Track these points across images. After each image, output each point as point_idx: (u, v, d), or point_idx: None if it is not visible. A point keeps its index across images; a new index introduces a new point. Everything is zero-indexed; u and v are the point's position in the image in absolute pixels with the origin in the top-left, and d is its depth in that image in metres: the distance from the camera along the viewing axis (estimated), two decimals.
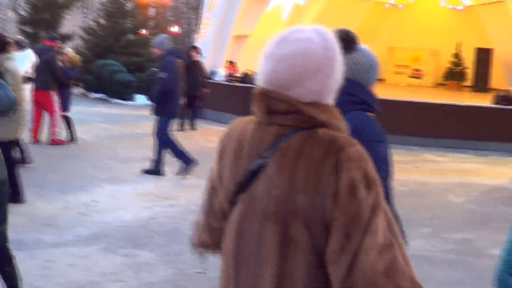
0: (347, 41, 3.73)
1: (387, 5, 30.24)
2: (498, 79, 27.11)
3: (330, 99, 2.33)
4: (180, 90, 11.88)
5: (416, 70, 30.32)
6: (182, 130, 17.96)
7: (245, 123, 2.44)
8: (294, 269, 2.22)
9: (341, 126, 2.31)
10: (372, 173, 2.22)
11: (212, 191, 2.57)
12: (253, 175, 2.30)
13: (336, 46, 2.32)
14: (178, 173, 11.37)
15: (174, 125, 11.54)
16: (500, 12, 25.70)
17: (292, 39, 2.27)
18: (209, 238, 2.63)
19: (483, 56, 28.55)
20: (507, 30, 25.76)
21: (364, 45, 3.92)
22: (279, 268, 2.23)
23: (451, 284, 6.73)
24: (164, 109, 11.29)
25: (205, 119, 20.11)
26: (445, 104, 19.00)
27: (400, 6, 30.71)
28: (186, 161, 11.40)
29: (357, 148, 2.23)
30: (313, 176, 2.19)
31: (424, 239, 8.46)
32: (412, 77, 30.15)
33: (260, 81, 2.33)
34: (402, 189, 11.49)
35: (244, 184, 2.33)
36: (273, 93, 2.27)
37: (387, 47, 30.20)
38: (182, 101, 18.41)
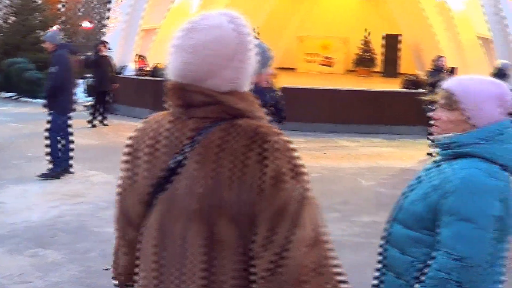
0: None
1: None
2: (406, 64, 27.65)
3: (247, 86, 2.23)
4: (73, 84, 11.54)
5: (327, 58, 30.58)
6: (92, 126, 17.74)
7: (158, 119, 2.30)
8: (223, 270, 2.11)
9: (260, 115, 2.22)
10: (299, 164, 2.13)
11: (124, 196, 2.40)
12: (172, 172, 2.16)
13: (248, 29, 2.22)
14: (41, 175, 10.86)
15: (70, 120, 11.21)
16: None
17: (201, 28, 2.15)
18: (127, 258, 2.45)
19: (392, 42, 29.05)
20: (414, 16, 26.31)
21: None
22: (207, 270, 2.11)
23: (358, 266, 6.79)
24: (57, 105, 10.97)
25: (116, 114, 19.86)
26: (355, 90, 19.29)
27: None
28: (56, 169, 11.01)
29: (283, 138, 2.14)
30: (238, 168, 2.08)
31: (333, 224, 8.54)
32: (323, 65, 30.39)
33: (172, 75, 2.20)
34: (313, 175, 11.54)
35: (162, 183, 2.18)
36: (188, 86, 2.16)
37: (297, 36, 30.43)
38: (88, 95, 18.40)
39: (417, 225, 2.94)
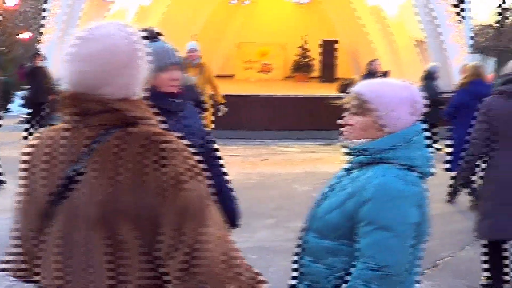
0: (146, 36, 3.77)
1: (233, 2, 30.46)
2: (344, 69, 27.90)
3: (139, 93, 2.30)
4: None
5: (265, 64, 30.60)
6: (29, 139, 17.51)
7: (54, 131, 2.33)
8: (129, 276, 2.14)
9: (154, 120, 2.29)
10: (195, 164, 2.20)
11: (21, 213, 2.40)
12: (70, 182, 2.19)
13: (138, 38, 2.29)
14: None
15: None
16: (342, 4, 26.49)
17: (94, 37, 2.21)
18: (28, 266, 2.43)
19: (329, 47, 29.23)
20: (350, 21, 26.62)
21: (163, 40, 3.94)
22: (112, 276, 2.14)
23: (290, 272, 6.86)
24: None
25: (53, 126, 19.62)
26: (292, 96, 19.39)
27: (246, 2, 31.00)
28: None
29: (177, 141, 2.20)
30: (137, 173, 2.12)
31: (267, 230, 8.61)
32: (262, 71, 30.43)
33: (66, 84, 2.24)
34: (249, 182, 11.66)
35: (61, 193, 2.20)
36: (83, 95, 2.20)
37: (235, 44, 30.42)
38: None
39: (334, 235, 2.90)
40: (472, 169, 6.70)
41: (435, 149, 14.37)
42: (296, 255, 3.15)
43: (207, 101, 11.82)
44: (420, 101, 2.97)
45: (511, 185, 6.42)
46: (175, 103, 3.97)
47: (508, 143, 6.46)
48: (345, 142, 3.06)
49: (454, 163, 9.80)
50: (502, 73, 6.80)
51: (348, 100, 3.01)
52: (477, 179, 6.92)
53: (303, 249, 3.08)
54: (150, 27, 4.09)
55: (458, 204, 10.38)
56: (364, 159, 2.95)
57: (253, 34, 30.29)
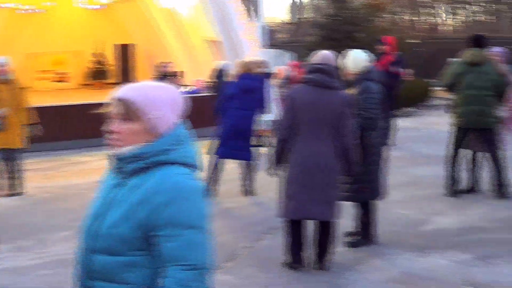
0: None
1: (23, 11, 29.45)
2: (142, 73, 27.73)
3: None
4: None
5: (60, 73, 29.86)
6: None
7: None
8: None
9: None
10: None
11: None
12: None
13: None
14: None
15: None
16: (136, 8, 26.47)
17: None
18: None
19: (125, 52, 29.02)
20: (144, 25, 26.62)
21: None
22: None
23: None
24: None
25: None
26: (86, 104, 18.97)
27: (38, 11, 30.05)
28: None
29: None
30: None
31: (64, 243, 8.37)
32: (58, 81, 29.66)
33: None
34: (45, 195, 11.34)
35: None
36: None
37: (26, 54, 29.38)
38: None
39: (127, 248, 2.78)
40: (281, 153, 6.98)
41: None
42: (78, 282, 2.95)
43: (15, 118, 11.32)
44: (180, 100, 2.95)
45: (311, 169, 6.83)
46: None
47: (310, 131, 6.84)
48: (112, 151, 2.91)
49: (220, 149, 10.29)
50: (309, 63, 7.20)
51: (112, 106, 2.89)
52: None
53: (91, 273, 2.88)
54: None
55: (254, 197, 10.58)
56: (142, 164, 2.84)
57: (46, 43, 29.40)
